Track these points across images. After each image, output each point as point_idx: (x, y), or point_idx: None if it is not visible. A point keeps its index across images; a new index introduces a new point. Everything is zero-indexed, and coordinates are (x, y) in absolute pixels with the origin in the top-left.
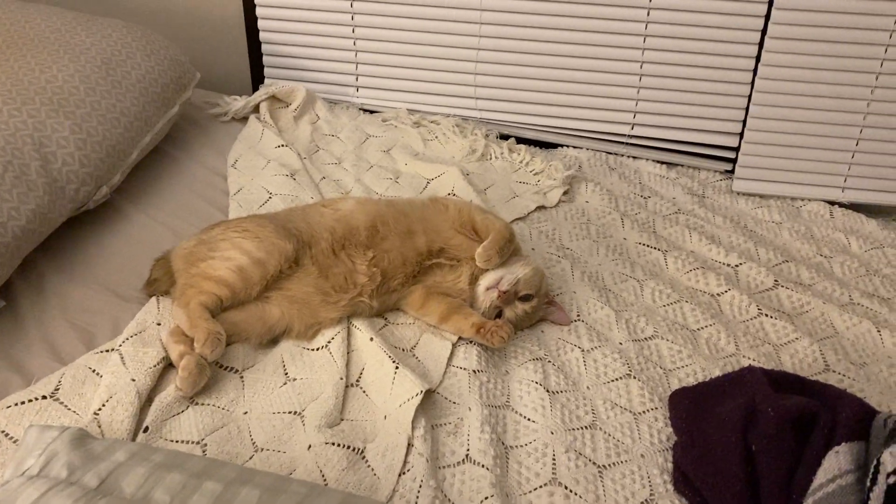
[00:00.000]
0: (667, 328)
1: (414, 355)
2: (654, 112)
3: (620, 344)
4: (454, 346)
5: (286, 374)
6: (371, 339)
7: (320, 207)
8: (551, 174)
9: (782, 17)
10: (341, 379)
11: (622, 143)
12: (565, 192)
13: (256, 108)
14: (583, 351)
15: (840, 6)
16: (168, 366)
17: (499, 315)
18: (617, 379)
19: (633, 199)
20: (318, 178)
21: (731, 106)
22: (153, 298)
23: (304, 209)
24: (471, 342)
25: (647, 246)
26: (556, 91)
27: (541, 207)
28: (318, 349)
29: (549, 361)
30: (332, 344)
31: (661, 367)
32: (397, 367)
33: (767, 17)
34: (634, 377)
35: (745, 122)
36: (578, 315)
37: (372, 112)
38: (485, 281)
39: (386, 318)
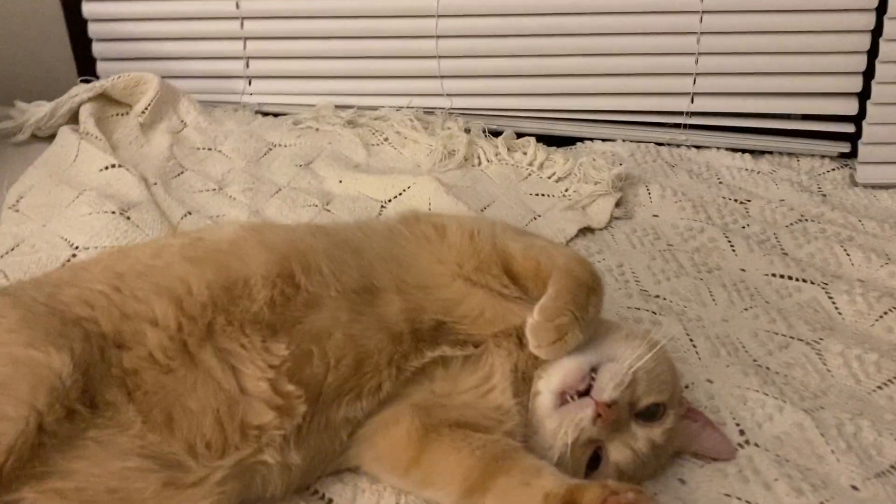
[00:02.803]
0: None
1: None
2: (723, 71)
3: (855, 489)
4: None
5: None
6: None
7: (160, 243)
8: (588, 176)
9: None
10: None
11: (678, 125)
12: (617, 204)
13: (75, 118)
14: None
15: None
16: None
17: (595, 461)
18: None
19: (726, 205)
20: (179, 213)
21: (845, 49)
22: None
23: (115, 256)
24: None
25: (788, 278)
26: (569, 53)
27: (585, 230)
28: None
29: None
30: None
31: None
32: None
33: None
34: None
35: (869, 72)
36: (742, 433)
37: (276, 115)
38: (552, 381)
39: (328, 500)
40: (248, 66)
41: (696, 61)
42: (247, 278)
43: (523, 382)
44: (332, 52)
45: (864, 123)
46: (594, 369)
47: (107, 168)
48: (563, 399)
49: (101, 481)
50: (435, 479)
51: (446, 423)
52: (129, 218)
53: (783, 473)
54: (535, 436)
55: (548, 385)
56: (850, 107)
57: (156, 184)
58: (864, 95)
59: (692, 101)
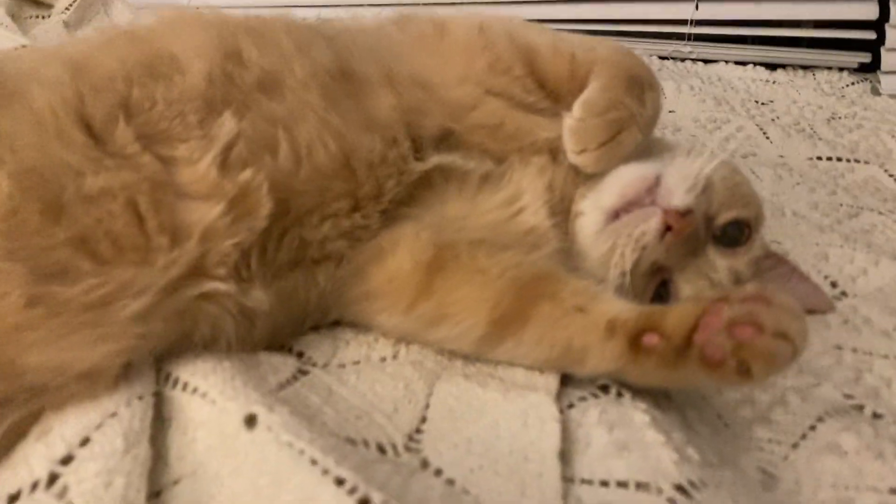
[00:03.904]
0: None
1: (425, 464)
2: None
3: None
4: (562, 406)
5: None
6: (250, 417)
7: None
8: None
9: None
10: None
11: (682, 36)
12: None
13: None
14: None
15: None
16: None
17: (659, 293)
18: None
19: (748, 106)
20: None
21: None
22: None
23: None
24: (605, 388)
25: (837, 159)
26: None
27: None
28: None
29: (859, 407)
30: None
31: None
32: None
33: None
34: None
35: None
36: (835, 285)
37: None
38: (604, 196)
39: (299, 355)
40: None
41: None
42: (174, 54)
43: (561, 204)
44: None
45: (888, 27)
46: (660, 177)
47: (17, 49)
48: (619, 209)
49: None
50: (452, 311)
51: (465, 241)
52: None
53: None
54: (579, 271)
55: (597, 202)
56: (870, 10)
57: None
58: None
59: (697, 8)
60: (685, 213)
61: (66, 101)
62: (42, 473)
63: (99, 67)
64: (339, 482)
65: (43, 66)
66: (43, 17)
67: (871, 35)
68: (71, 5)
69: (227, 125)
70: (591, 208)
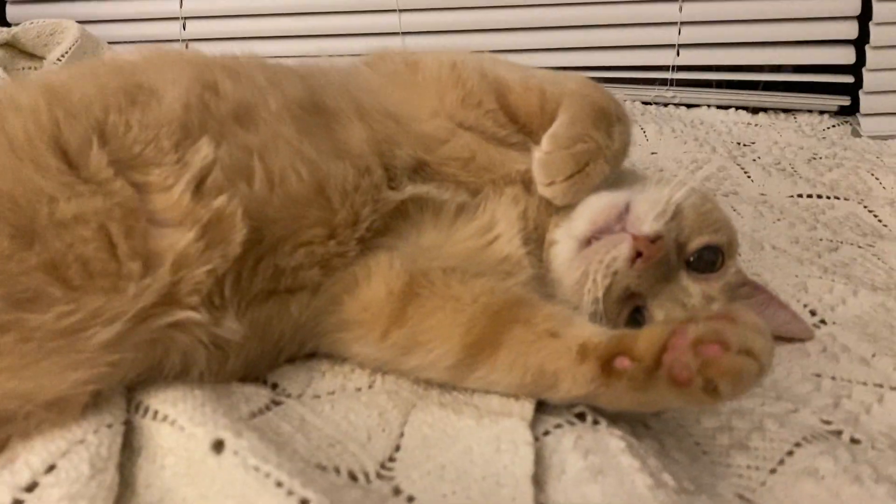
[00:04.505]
0: None
1: (397, 491)
2: (709, 19)
3: None
4: (538, 434)
5: None
6: (217, 442)
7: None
8: None
9: None
10: None
11: (664, 81)
12: None
13: None
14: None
15: None
16: None
17: (634, 319)
18: None
19: (730, 147)
20: None
21: None
22: None
23: None
24: (581, 416)
25: (817, 196)
26: (545, 3)
27: None
28: None
29: (837, 432)
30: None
31: None
32: None
33: None
34: None
35: (865, 15)
36: (814, 313)
37: None
38: (575, 225)
39: (273, 386)
40: (184, 27)
41: (681, 9)
42: (153, 84)
43: (535, 233)
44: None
45: (864, 71)
46: (630, 204)
47: None
48: (588, 237)
49: None
50: (425, 339)
51: (439, 268)
52: None
53: (883, 349)
54: (554, 299)
55: (569, 230)
56: (847, 55)
57: None
58: (860, 42)
59: (678, 55)
60: (655, 239)
61: (42, 127)
62: (5, 500)
63: (76, 94)
64: (304, 503)
65: (20, 93)
66: (35, 69)
67: (849, 79)
68: (62, 56)
69: (203, 151)
70: (564, 236)
